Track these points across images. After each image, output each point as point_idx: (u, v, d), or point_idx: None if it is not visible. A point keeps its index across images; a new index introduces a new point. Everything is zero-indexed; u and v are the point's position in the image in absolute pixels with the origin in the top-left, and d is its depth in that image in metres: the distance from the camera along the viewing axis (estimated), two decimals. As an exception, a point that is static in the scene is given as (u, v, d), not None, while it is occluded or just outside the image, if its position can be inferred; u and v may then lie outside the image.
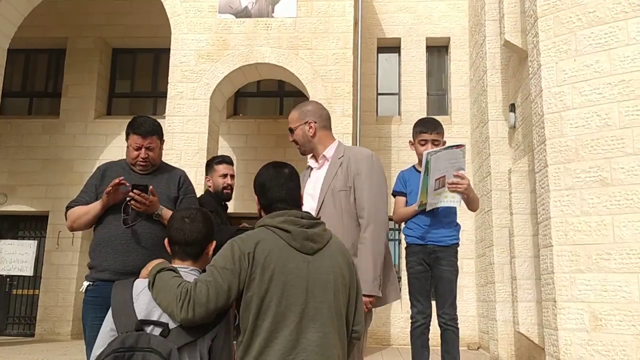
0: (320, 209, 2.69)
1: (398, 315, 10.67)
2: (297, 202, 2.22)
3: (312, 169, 2.89)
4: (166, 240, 2.26)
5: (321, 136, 2.83)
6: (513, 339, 7.99)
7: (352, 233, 2.68)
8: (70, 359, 7.57)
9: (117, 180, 2.89)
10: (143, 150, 3.07)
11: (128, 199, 2.89)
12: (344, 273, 2.08)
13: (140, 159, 3.08)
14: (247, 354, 1.90)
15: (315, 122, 2.82)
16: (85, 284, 3.05)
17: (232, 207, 5.80)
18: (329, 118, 2.94)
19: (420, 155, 3.56)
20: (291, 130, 2.87)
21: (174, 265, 2.19)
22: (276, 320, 1.90)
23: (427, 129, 3.58)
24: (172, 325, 1.96)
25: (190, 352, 1.93)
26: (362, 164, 2.72)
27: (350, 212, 2.69)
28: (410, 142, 3.74)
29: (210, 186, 4.10)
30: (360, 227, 2.68)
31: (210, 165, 4.17)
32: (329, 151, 2.82)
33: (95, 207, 2.99)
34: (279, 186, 2.16)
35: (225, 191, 4.10)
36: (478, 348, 10.14)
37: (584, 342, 5.39)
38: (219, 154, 9.65)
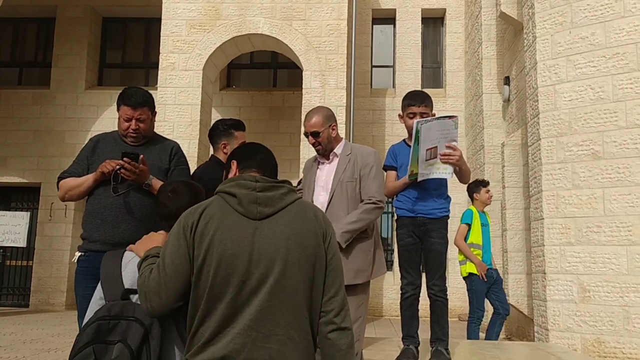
0: (331, 198, 3.10)
1: (390, 287, 10.78)
2: (268, 167, 1.97)
3: (319, 162, 3.26)
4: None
5: (337, 136, 3.22)
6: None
7: None
8: (64, 329, 7.63)
9: (115, 164, 2.85)
10: (134, 121, 3.04)
11: (118, 167, 2.87)
12: (304, 242, 1.75)
13: (131, 131, 3.05)
14: (191, 327, 1.75)
15: (336, 125, 3.21)
16: (77, 254, 3.05)
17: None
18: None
19: (409, 128, 3.55)
20: (316, 134, 3.15)
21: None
22: (213, 292, 1.69)
23: (415, 101, 3.57)
24: None
25: (176, 318, 1.92)
26: (368, 159, 3.14)
27: (356, 200, 3.09)
28: (399, 115, 3.73)
29: (226, 153, 3.57)
30: (365, 210, 3.04)
31: (227, 131, 3.63)
32: (339, 149, 3.21)
33: (88, 179, 2.96)
34: (249, 154, 1.99)
35: None
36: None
37: (572, 313, 5.47)
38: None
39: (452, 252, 10.74)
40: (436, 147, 3.39)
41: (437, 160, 3.44)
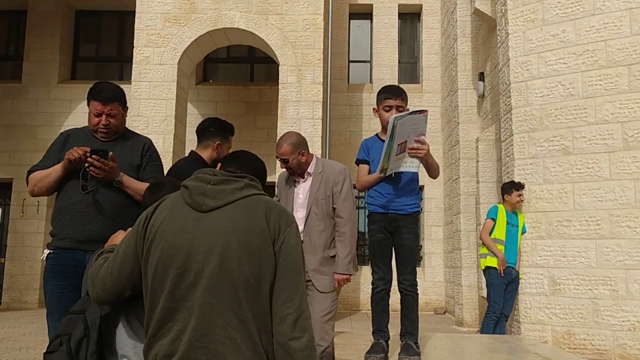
0: (308, 214, 3.33)
1: (367, 282, 10.79)
2: (245, 168, 1.92)
3: (296, 181, 3.44)
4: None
5: (308, 159, 3.38)
6: (477, 303, 8.22)
7: (331, 231, 3.34)
8: (36, 327, 7.52)
9: (81, 152, 2.81)
10: (104, 117, 3.00)
11: (87, 165, 2.83)
12: (247, 239, 1.64)
13: (101, 126, 3.01)
14: (144, 320, 1.76)
15: (305, 151, 3.36)
16: (46, 252, 3.01)
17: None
18: (307, 142, 3.50)
19: (384, 122, 3.57)
20: (286, 161, 3.34)
21: None
22: (154, 284, 1.65)
23: (392, 94, 3.58)
24: None
25: (127, 313, 1.97)
26: (338, 177, 3.37)
27: (330, 215, 3.34)
28: (374, 109, 3.74)
29: (217, 154, 3.56)
30: (337, 225, 3.33)
31: (224, 134, 3.61)
32: (311, 168, 3.40)
33: (56, 169, 2.91)
34: (232, 157, 1.98)
35: None
36: (445, 312, 10.42)
37: (542, 305, 5.58)
38: (188, 121, 9.52)
39: (428, 247, 10.85)
40: (406, 141, 3.42)
41: (405, 154, 3.47)
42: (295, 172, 3.40)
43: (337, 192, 3.34)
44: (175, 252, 1.64)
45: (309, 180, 3.40)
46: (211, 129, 3.59)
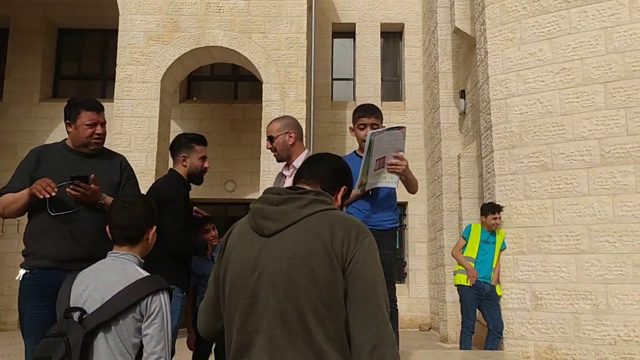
0: None
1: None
2: (316, 175, 1.74)
3: (285, 176, 3.29)
4: (107, 227, 2.27)
5: (296, 146, 3.27)
6: (460, 319, 8.22)
7: None
8: (15, 349, 7.36)
9: (52, 192, 2.73)
10: (99, 126, 3.02)
11: (69, 191, 2.82)
12: (311, 263, 1.47)
13: (96, 135, 3.01)
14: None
15: (294, 133, 3.26)
16: (22, 272, 2.95)
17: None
18: (302, 132, 3.37)
19: (360, 140, 3.62)
20: (271, 139, 3.23)
21: (111, 252, 2.22)
22: (229, 316, 1.57)
23: (366, 113, 3.65)
24: (92, 309, 2.03)
25: (107, 332, 2.00)
26: None
27: None
28: (350, 128, 3.81)
29: (186, 166, 3.55)
30: None
31: (187, 144, 3.57)
32: (298, 161, 3.22)
33: (24, 196, 2.84)
34: (303, 164, 1.83)
35: (202, 174, 3.66)
36: (429, 329, 10.41)
37: (525, 320, 5.61)
38: (172, 138, 9.48)
39: (413, 263, 10.87)
40: (384, 157, 3.45)
41: (384, 170, 3.50)
42: (281, 157, 3.27)
43: None
44: (244, 282, 1.54)
45: (294, 175, 3.35)
46: (177, 144, 3.58)
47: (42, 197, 2.73)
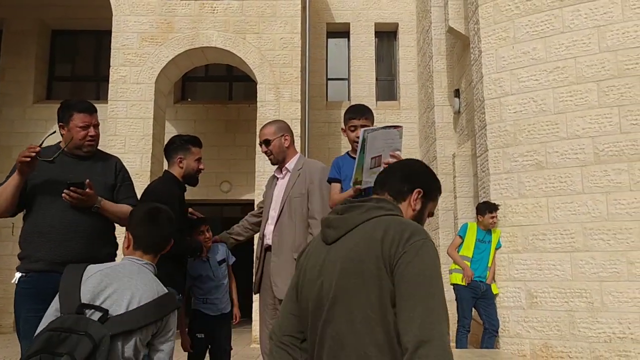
0: (280, 213, 3.21)
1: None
2: (387, 185, 1.76)
3: (277, 178, 3.37)
4: (128, 235, 2.26)
5: (291, 149, 3.35)
6: (456, 318, 8.24)
7: (302, 234, 3.19)
8: (12, 351, 7.34)
9: (33, 152, 2.73)
10: (92, 128, 3.01)
11: (65, 197, 2.83)
12: (362, 267, 1.50)
13: (89, 137, 3.00)
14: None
15: (289, 136, 3.36)
16: (18, 275, 2.95)
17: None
18: (294, 135, 3.51)
19: (351, 141, 3.61)
20: (267, 142, 3.30)
21: (131, 257, 2.20)
22: (303, 323, 1.67)
23: (356, 114, 3.64)
24: (115, 312, 1.98)
25: (126, 341, 1.94)
26: (315, 175, 3.27)
27: (303, 216, 3.21)
28: (342, 129, 3.80)
29: (182, 167, 3.55)
30: (310, 227, 3.17)
31: (184, 146, 3.58)
32: (291, 164, 3.33)
33: (13, 178, 2.82)
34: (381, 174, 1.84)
35: (197, 176, 3.67)
36: (425, 328, 10.43)
37: (520, 319, 5.63)
38: (166, 139, 9.47)
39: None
40: (380, 155, 3.45)
41: (380, 168, 3.51)
42: (277, 159, 3.34)
43: (312, 191, 3.24)
44: (312, 288, 1.62)
45: (287, 177, 3.33)
46: (173, 146, 3.60)
47: (29, 160, 2.71)
